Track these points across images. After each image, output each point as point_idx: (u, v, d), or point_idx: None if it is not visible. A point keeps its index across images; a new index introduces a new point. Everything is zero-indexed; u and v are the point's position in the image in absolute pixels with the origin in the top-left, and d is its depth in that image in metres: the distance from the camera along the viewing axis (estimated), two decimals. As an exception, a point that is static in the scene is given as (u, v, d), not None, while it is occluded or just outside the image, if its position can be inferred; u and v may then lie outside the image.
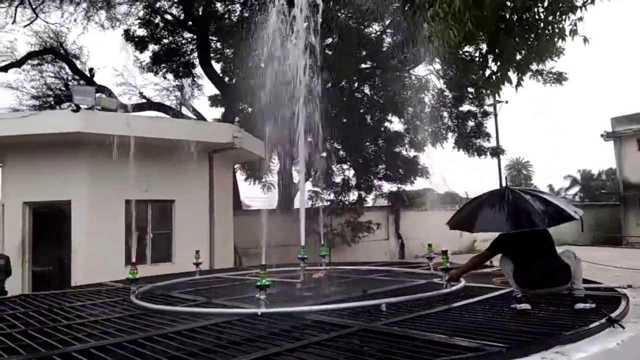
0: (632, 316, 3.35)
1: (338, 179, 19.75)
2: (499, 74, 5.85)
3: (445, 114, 16.87)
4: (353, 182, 19.71)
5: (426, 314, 3.65)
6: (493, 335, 2.87)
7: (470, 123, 16.86)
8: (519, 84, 6.97)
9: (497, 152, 16.97)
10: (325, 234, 17.28)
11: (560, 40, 6.22)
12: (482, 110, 16.86)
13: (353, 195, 19.45)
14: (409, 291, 4.89)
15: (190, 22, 16.96)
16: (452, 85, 15.14)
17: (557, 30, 5.87)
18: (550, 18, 5.68)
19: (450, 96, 16.44)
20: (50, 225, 9.46)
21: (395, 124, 19.57)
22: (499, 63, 5.82)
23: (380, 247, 19.56)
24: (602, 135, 24.92)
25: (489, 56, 5.94)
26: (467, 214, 4.19)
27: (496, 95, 6.60)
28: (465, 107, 17.08)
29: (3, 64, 14.26)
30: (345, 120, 18.55)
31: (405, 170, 19.46)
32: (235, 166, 17.64)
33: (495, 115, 33.54)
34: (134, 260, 5.20)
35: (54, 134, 8.05)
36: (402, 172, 19.57)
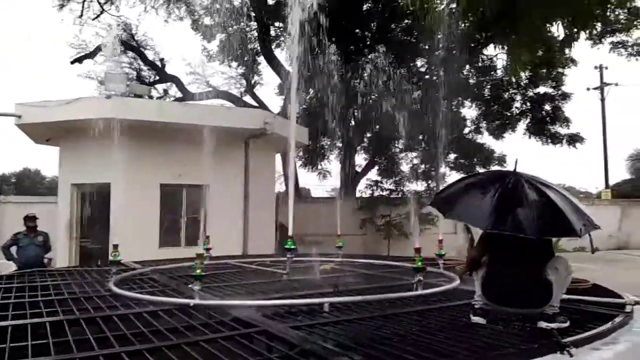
0: (602, 343, 2.63)
1: (405, 168, 19.09)
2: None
3: (517, 97, 15.34)
4: (420, 170, 18.95)
5: (358, 318, 3.21)
6: (390, 351, 2.42)
7: (546, 107, 15.15)
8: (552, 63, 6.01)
9: (574, 140, 15.08)
10: (383, 225, 16.82)
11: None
12: (559, 92, 15.05)
13: (420, 185, 18.68)
14: (389, 291, 4.43)
15: (252, 12, 17.17)
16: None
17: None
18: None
19: (523, 77, 14.87)
20: (106, 207, 10.11)
21: (465, 110, 18.41)
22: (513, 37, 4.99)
23: (445, 242, 18.20)
24: None
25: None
26: (448, 195, 3.49)
27: (515, 75, 5.69)
28: (540, 90, 15.37)
29: (77, 55, 15.52)
30: (417, 106, 17.73)
31: (479, 159, 18.26)
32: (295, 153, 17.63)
33: (602, 100, 30.23)
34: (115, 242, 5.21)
35: (92, 120, 8.47)
36: (477, 160, 18.41)
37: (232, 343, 2.68)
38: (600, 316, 3.16)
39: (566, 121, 15.04)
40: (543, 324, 2.85)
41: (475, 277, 3.26)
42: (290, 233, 5.49)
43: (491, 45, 15.82)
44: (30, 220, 7.96)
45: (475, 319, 3.06)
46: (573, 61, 14.91)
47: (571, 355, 2.36)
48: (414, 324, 3.08)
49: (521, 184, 2.89)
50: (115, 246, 5.17)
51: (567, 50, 5.60)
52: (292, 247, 5.38)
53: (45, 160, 37.80)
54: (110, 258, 5.14)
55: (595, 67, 29.30)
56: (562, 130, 15.15)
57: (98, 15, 14.94)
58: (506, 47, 5.50)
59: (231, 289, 4.73)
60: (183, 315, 3.42)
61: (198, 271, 3.76)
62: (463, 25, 14.72)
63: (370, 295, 3.82)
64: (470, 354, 2.36)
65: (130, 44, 16.39)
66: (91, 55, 15.45)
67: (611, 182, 28.06)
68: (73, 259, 9.48)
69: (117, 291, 4.26)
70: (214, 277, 5.59)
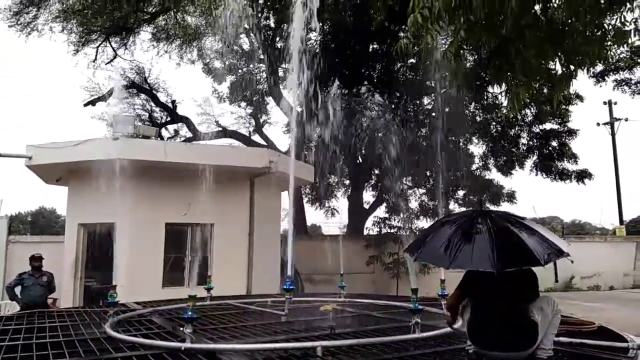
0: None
1: (413, 204, 19.05)
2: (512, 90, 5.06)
3: (523, 133, 15.35)
4: (429, 206, 18.87)
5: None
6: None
7: (553, 143, 15.13)
8: (555, 99, 6.08)
9: (583, 176, 14.91)
10: (391, 264, 16.55)
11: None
12: (565, 129, 15.04)
13: (428, 222, 18.52)
14: (388, 333, 4.36)
15: (260, 54, 17.66)
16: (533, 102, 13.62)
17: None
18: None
19: (528, 113, 14.94)
20: (111, 246, 10.15)
21: (472, 146, 18.50)
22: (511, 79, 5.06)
23: (454, 281, 17.83)
24: None
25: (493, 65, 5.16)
26: (419, 237, 3.53)
27: (514, 113, 5.72)
28: (547, 126, 15.41)
29: (91, 98, 16.00)
30: (424, 142, 17.84)
31: (489, 195, 18.19)
32: (302, 191, 17.72)
33: (613, 135, 30.05)
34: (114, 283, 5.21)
35: (99, 161, 8.63)
36: (487, 196, 18.33)
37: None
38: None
39: (574, 157, 14.95)
40: (538, 370, 2.76)
41: (462, 322, 3.20)
42: (289, 272, 5.45)
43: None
44: (35, 260, 7.98)
45: (470, 365, 2.97)
46: (579, 97, 14.98)
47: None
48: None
49: (482, 221, 2.93)
50: (114, 287, 5.17)
51: (565, 88, 5.57)
52: (291, 287, 5.34)
53: (60, 199, 38.42)
54: (108, 299, 5.14)
55: (604, 103, 29.34)
56: (571, 167, 15.08)
57: (111, 60, 15.51)
58: (504, 86, 5.54)
59: (228, 332, 4.67)
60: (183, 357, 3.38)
61: (189, 314, 3.74)
62: (467, 64, 14.96)
63: (364, 339, 3.73)
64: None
65: (143, 87, 16.87)
66: (104, 98, 15.92)
67: (626, 217, 27.55)
68: (77, 299, 9.44)
69: (112, 334, 4.23)
70: (212, 318, 5.54)
